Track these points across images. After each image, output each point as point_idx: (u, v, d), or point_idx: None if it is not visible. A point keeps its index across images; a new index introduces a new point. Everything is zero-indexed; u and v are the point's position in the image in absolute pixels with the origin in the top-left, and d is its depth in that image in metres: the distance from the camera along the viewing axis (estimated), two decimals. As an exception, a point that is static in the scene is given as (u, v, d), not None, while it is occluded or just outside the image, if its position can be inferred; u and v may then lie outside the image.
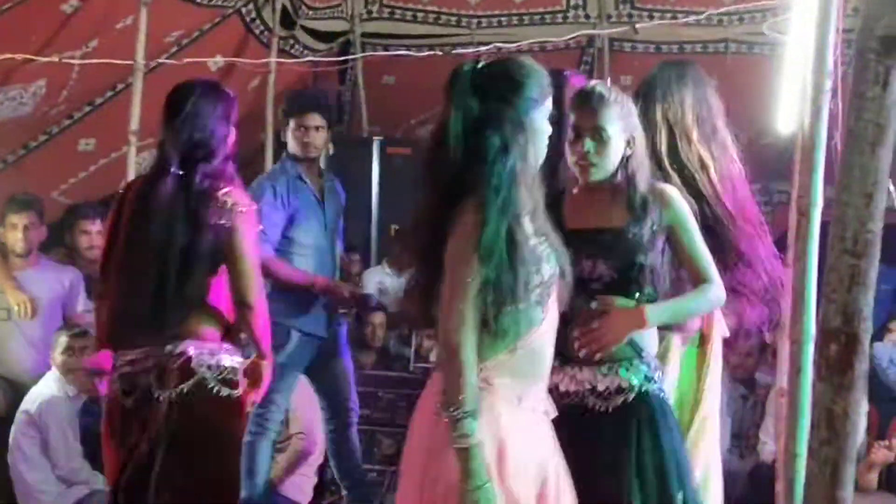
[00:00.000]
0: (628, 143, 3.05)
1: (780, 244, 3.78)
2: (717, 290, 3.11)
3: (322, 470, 5.20)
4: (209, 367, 3.47)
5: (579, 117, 3.02)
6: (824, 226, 2.04)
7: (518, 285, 2.57)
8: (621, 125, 3.04)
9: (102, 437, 3.63)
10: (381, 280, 7.17)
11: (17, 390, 5.34)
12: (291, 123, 4.78)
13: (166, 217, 3.45)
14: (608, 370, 2.99)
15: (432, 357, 6.45)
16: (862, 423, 5.43)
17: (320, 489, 5.26)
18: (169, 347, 3.46)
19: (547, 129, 2.72)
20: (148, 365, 3.47)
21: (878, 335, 6.84)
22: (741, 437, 5.98)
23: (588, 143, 3.02)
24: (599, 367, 2.99)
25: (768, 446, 5.61)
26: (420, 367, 5.59)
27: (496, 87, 2.63)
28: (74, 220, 5.93)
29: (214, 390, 3.47)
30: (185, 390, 3.44)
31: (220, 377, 3.49)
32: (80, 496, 5.12)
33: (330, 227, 4.85)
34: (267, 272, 4.15)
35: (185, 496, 3.45)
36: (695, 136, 3.47)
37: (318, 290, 4.67)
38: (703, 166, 3.43)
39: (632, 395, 2.98)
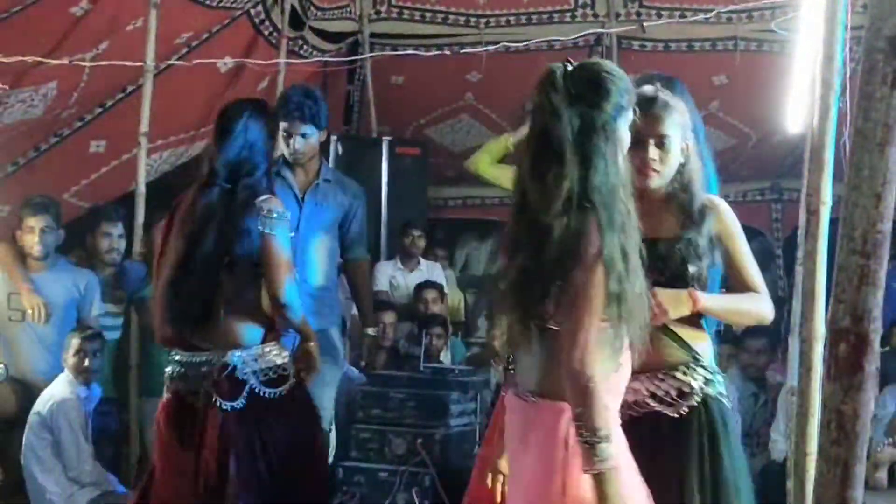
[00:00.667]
0: (682, 150, 3.04)
1: (790, 242, 3.77)
2: (769, 302, 3.08)
3: (334, 470, 5.21)
4: (255, 373, 3.70)
5: (644, 124, 2.85)
6: (834, 223, 2.04)
7: (633, 298, 2.48)
8: (681, 133, 3.03)
9: (157, 429, 3.85)
10: (394, 275, 7.19)
11: (31, 392, 5.36)
12: (280, 125, 4.69)
13: (214, 226, 3.71)
14: (664, 375, 2.95)
15: (442, 357, 6.46)
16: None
17: (332, 489, 5.26)
18: (216, 354, 3.70)
19: (628, 137, 2.64)
20: (202, 371, 3.72)
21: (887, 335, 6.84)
22: (752, 436, 5.98)
23: (653, 151, 2.99)
24: (656, 374, 2.95)
25: (779, 444, 5.61)
26: (430, 367, 5.59)
27: (589, 93, 2.55)
28: (97, 222, 5.94)
29: (266, 394, 3.71)
30: (241, 400, 3.68)
31: (267, 378, 3.73)
32: (91, 497, 5.14)
33: (304, 229, 4.75)
34: None
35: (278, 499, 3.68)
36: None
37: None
38: None
39: (696, 400, 2.94)
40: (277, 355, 3.77)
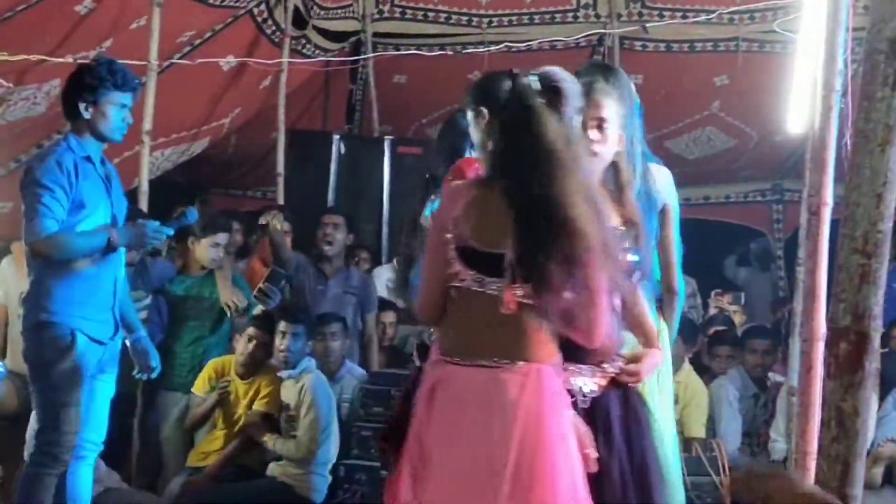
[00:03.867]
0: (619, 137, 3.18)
1: (791, 243, 3.79)
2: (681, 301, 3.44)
3: (335, 468, 5.21)
4: None
5: (586, 108, 3.10)
6: (835, 224, 2.05)
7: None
8: (618, 120, 3.19)
9: None
10: (391, 278, 7.18)
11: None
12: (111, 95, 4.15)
13: None
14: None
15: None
16: (872, 421, 5.43)
17: (333, 488, 5.27)
18: None
19: None
20: None
21: (886, 334, 6.85)
22: (752, 435, 5.99)
23: (593, 133, 3.13)
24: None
25: (779, 444, 5.61)
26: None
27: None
28: None
29: None
30: None
31: None
32: (94, 493, 5.14)
33: (118, 217, 4.23)
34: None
35: None
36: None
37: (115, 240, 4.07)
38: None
39: None
40: None
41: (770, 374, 6.08)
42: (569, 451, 2.70)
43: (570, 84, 2.90)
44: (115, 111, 4.16)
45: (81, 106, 4.10)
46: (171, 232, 4.30)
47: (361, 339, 6.15)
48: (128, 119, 4.21)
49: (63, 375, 3.97)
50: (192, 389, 5.61)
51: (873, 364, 1.58)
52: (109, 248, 4.08)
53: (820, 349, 2.69)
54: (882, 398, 5.79)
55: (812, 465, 2.61)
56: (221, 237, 5.79)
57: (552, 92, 2.83)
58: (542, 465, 2.65)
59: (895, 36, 1.55)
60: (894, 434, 5.51)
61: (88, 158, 4.13)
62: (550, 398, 2.71)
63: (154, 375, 4.46)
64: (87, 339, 4.08)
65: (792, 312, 4.99)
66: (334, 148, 7.19)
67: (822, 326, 2.69)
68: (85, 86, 4.11)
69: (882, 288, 1.60)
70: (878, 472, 5.35)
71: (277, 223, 5.89)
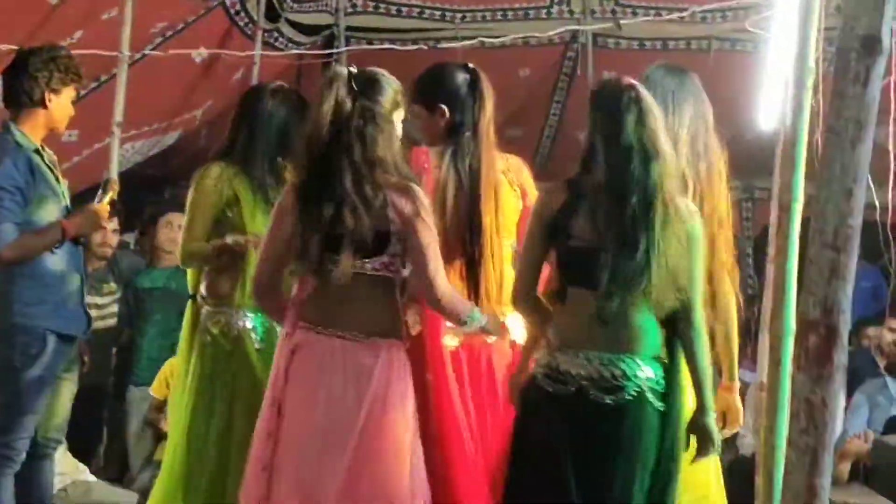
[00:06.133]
0: None
1: (762, 239, 3.83)
2: None
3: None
4: None
5: None
6: (805, 222, 2.07)
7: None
8: None
9: None
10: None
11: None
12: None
13: None
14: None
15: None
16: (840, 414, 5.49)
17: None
18: None
19: None
20: None
21: (854, 331, 6.92)
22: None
23: None
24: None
25: (747, 440, 5.66)
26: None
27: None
28: None
29: None
30: None
31: None
32: (61, 486, 5.11)
33: (70, 207, 4.22)
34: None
35: None
36: (685, 153, 3.47)
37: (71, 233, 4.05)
38: (684, 187, 3.42)
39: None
40: None
41: (738, 371, 6.12)
42: (407, 411, 3.12)
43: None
44: (70, 104, 4.13)
45: (46, 94, 4.03)
46: (108, 206, 4.25)
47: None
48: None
49: (30, 383, 3.93)
50: (150, 391, 5.59)
51: (842, 357, 1.60)
52: (66, 240, 4.03)
53: (789, 345, 2.71)
54: (849, 395, 5.86)
55: (780, 459, 2.64)
56: (175, 217, 5.75)
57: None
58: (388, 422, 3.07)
59: (867, 33, 1.57)
60: (861, 430, 5.58)
61: (37, 150, 4.06)
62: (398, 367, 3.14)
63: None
64: (59, 339, 4.03)
65: (761, 310, 5.02)
66: (306, 141, 7.16)
67: (791, 322, 2.71)
68: (51, 74, 4.05)
69: (851, 283, 1.62)
70: (845, 467, 5.41)
71: None
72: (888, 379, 5.96)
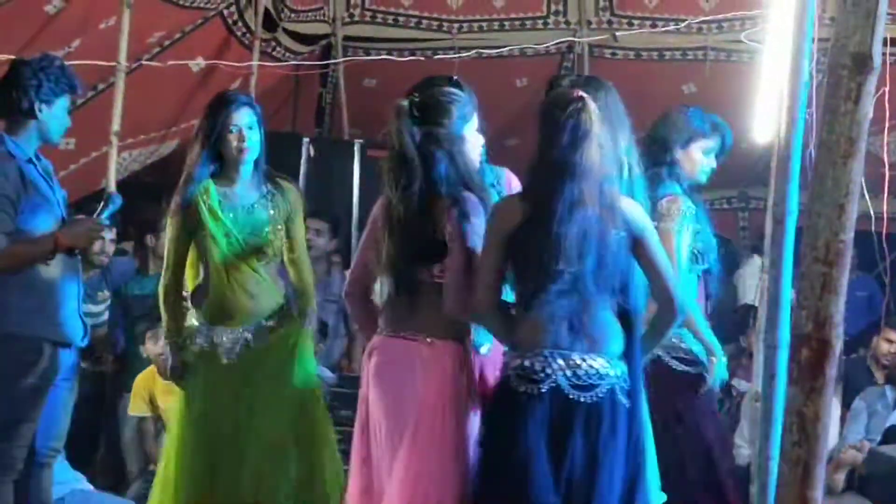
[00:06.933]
0: None
1: (756, 250, 3.83)
2: None
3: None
4: None
5: None
6: (800, 232, 2.09)
7: None
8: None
9: None
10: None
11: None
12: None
13: None
14: None
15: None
16: (833, 426, 5.50)
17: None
18: None
19: None
20: None
21: (860, 340, 6.93)
22: (717, 441, 6.02)
23: None
24: None
25: (743, 450, 5.66)
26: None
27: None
28: None
29: None
30: None
31: None
32: (59, 495, 5.11)
33: (65, 217, 4.11)
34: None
35: None
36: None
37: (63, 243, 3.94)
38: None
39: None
40: None
41: (735, 381, 6.13)
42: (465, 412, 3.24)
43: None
44: (65, 114, 4.12)
45: (36, 105, 4.01)
46: (108, 222, 4.24)
47: (352, 342, 6.15)
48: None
49: (25, 391, 3.91)
50: (129, 412, 5.59)
51: (834, 370, 1.61)
52: (59, 251, 4.00)
53: (784, 356, 2.72)
54: (847, 405, 5.86)
55: (773, 470, 2.65)
56: None
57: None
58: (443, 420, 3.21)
59: (858, 51, 1.59)
60: (857, 441, 5.58)
61: (30, 160, 4.06)
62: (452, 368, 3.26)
63: None
64: (55, 346, 4.03)
65: (757, 319, 5.03)
66: (304, 151, 7.18)
67: (786, 333, 2.73)
68: (41, 84, 4.03)
69: (843, 296, 1.63)
70: (840, 477, 5.41)
71: None
72: (888, 388, 5.97)
